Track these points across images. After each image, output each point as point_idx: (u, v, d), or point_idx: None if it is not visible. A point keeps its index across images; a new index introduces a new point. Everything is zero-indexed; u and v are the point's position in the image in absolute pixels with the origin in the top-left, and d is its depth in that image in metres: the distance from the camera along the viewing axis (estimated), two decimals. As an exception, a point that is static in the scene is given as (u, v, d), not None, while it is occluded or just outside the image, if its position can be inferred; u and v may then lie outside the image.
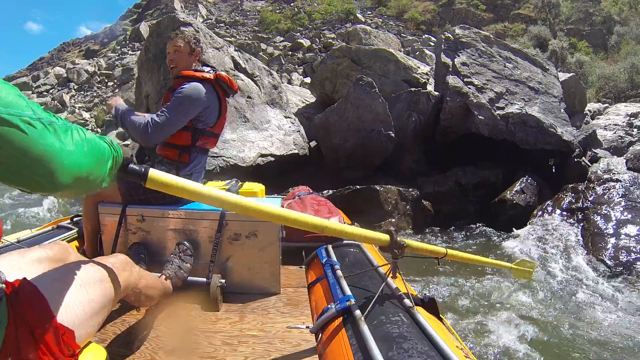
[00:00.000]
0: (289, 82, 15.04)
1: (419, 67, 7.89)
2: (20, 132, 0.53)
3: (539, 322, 2.39)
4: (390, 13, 21.46)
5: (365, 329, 1.05)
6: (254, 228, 1.62)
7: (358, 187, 4.93)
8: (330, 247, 1.86)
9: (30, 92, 22.87)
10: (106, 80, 21.97)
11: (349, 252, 1.83)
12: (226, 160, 5.37)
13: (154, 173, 0.91)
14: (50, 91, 22.53)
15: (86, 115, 18.67)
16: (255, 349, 1.24)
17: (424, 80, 7.51)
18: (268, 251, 1.63)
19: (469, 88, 6.03)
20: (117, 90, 19.89)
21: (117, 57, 23.66)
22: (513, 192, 5.12)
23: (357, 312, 1.15)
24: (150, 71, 6.52)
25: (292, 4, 24.39)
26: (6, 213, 5.58)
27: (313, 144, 6.78)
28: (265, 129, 6.15)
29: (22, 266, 0.90)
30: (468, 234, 4.66)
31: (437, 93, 6.36)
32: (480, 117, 5.77)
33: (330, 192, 5.12)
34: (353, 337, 1.08)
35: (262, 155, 5.73)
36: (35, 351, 0.69)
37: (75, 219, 2.21)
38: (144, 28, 26.11)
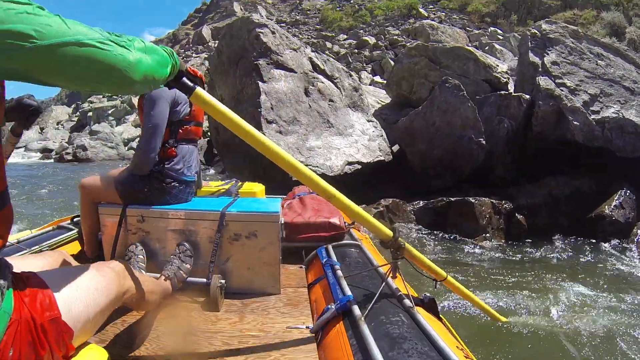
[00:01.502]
0: (359, 81, 15.04)
1: (497, 66, 7.29)
2: (99, 50, 0.70)
3: (540, 322, 2.39)
4: (452, 6, 20.73)
5: (365, 329, 1.05)
6: (254, 228, 1.62)
7: (452, 199, 4.68)
8: (330, 247, 1.86)
9: (101, 96, 24.00)
10: None
11: (349, 252, 1.83)
12: (313, 170, 4.89)
13: (199, 91, 1.10)
14: (120, 95, 23.52)
15: None
16: (255, 349, 1.24)
17: (504, 80, 6.97)
18: (268, 251, 1.63)
19: (562, 90, 5.47)
20: None
21: (181, 60, 24.66)
22: (612, 206, 4.58)
23: (357, 312, 1.15)
24: (224, 74, 6.25)
25: (351, 1, 23.96)
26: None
27: (395, 148, 6.30)
28: (350, 134, 5.76)
29: (25, 268, 0.91)
30: (564, 251, 4.15)
31: (527, 97, 5.77)
32: (575, 122, 5.23)
33: (421, 203, 4.89)
34: (353, 337, 1.08)
35: (349, 163, 5.34)
36: (35, 345, 0.70)
37: (75, 219, 2.21)
38: (206, 31, 26.86)
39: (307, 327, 1.34)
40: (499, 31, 16.69)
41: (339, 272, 1.51)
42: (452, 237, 4.36)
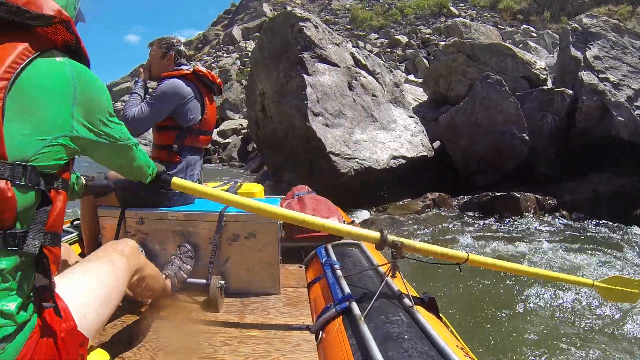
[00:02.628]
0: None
1: (535, 62, 7.17)
2: (133, 151, 1.09)
3: (541, 321, 2.38)
4: (483, 4, 20.40)
5: (365, 328, 1.05)
6: (253, 228, 1.62)
7: (497, 193, 4.64)
8: (329, 246, 1.85)
9: None
10: None
11: (349, 252, 1.83)
12: (360, 163, 4.99)
13: (176, 180, 1.36)
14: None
15: None
16: (255, 349, 1.23)
17: (543, 77, 6.84)
18: (267, 251, 1.63)
19: (605, 85, 5.38)
20: None
21: (212, 60, 24.40)
22: (658, 206, 4.40)
23: (357, 312, 1.15)
24: (266, 69, 6.13)
25: (381, 0, 23.68)
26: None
27: (435, 145, 6.29)
28: (393, 129, 5.74)
29: None
30: (607, 248, 3.97)
31: (570, 92, 5.73)
32: (619, 117, 5.14)
33: (466, 198, 4.88)
34: (353, 336, 1.08)
35: (394, 157, 5.33)
36: (54, 357, 0.71)
37: (75, 222, 2.21)
38: (237, 32, 27.01)
39: (307, 327, 1.34)
40: (532, 28, 16.31)
41: (339, 272, 1.51)
42: (497, 231, 4.33)
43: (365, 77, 6.00)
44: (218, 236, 1.61)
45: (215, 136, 15.17)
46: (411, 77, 13.82)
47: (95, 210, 1.73)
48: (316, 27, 5.86)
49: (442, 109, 7.06)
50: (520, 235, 4.13)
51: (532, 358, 2.03)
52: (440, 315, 1.33)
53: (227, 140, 14.51)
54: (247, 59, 22.49)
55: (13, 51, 0.68)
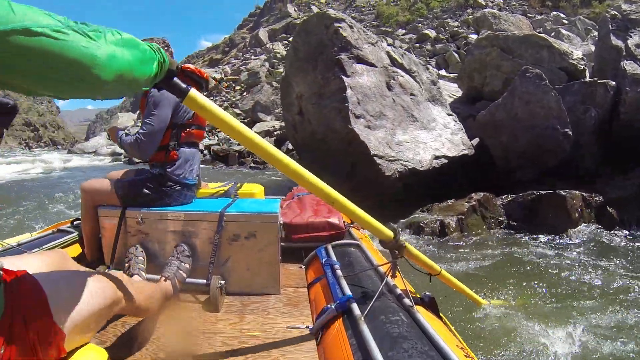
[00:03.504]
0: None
1: (572, 52, 6.92)
2: (53, 40, 0.57)
3: (541, 321, 2.38)
4: None
5: (365, 328, 1.05)
6: (253, 229, 1.62)
7: (542, 192, 4.53)
8: (329, 246, 1.85)
9: None
10: (233, 85, 23.34)
11: (349, 252, 1.83)
12: (404, 164, 4.89)
13: (194, 93, 0.98)
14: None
15: None
16: (255, 349, 1.23)
17: (581, 67, 6.60)
18: (267, 251, 1.63)
19: None
20: (245, 94, 20.86)
21: (241, 63, 24.88)
22: None
23: (357, 312, 1.15)
24: (302, 71, 6.00)
25: None
26: (7, 217, 5.59)
27: (474, 142, 6.18)
28: (433, 128, 5.66)
29: (20, 266, 0.91)
30: None
31: (613, 83, 5.47)
32: None
33: (510, 197, 4.76)
34: (353, 336, 1.08)
35: (437, 157, 5.25)
36: (26, 346, 0.69)
37: (75, 223, 2.21)
38: (263, 33, 27.46)
39: (307, 327, 1.34)
40: (562, 15, 15.85)
41: (339, 272, 1.50)
42: (543, 231, 4.25)
43: (402, 76, 5.92)
44: (218, 236, 1.61)
45: None
46: (442, 72, 13.52)
47: (95, 210, 1.73)
48: (351, 27, 5.79)
49: (477, 104, 6.87)
50: (568, 240, 4.02)
51: (533, 358, 2.02)
52: (441, 315, 1.33)
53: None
54: (275, 61, 22.70)
55: None
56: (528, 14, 17.26)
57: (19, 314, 0.69)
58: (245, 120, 17.74)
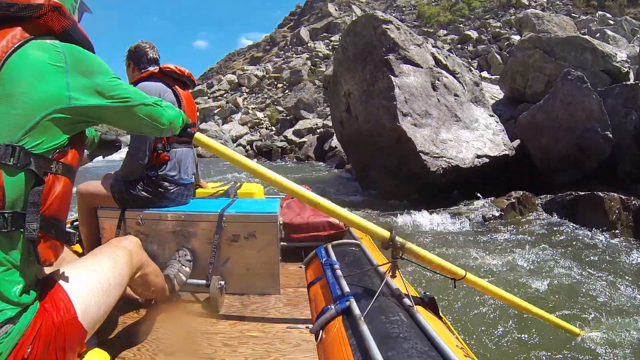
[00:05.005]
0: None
1: (616, 54, 6.86)
2: (157, 108, 1.04)
3: (542, 321, 2.37)
4: None
5: (364, 328, 1.05)
6: (253, 229, 1.62)
7: (580, 193, 4.52)
8: (329, 246, 1.85)
9: (206, 97, 25.75)
10: (275, 83, 23.53)
11: (349, 251, 1.83)
12: (448, 162, 5.19)
13: (199, 135, 1.33)
14: (224, 95, 25.03)
15: (260, 115, 20.14)
16: (255, 349, 1.23)
17: (625, 70, 6.51)
18: (267, 251, 1.62)
19: None
20: (287, 91, 21.08)
21: (282, 61, 25.13)
22: None
23: (357, 312, 1.15)
24: (351, 70, 6.32)
25: None
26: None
27: (515, 143, 6.30)
28: (475, 128, 5.90)
29: None
30: None
31: None
32: None
33: (548, 197, 4.78)
34: (353, 336, 1.08)
35: (478, 156, 5.49)
36: (52, 345, 0.72)
37: (75, 223, 2.21)
38: (304, 32, 27.80)
39: (307, 327, 1.34)
40: (608, 15, 15.50)
41: (339, 272, 1.50)
42: (580, 231, 4.23)
43: (446, 77, 6.15)
44: (218, 236, 1.61)
45: (290, 135, 15.59)
46: (485, 74, 13.37)
47: (94, 212, 1.72)
48: (398, 28, 6.05)
49: (519, 106, 6.87)
50: (604, 241, 3.94)
51: (533, 358, 2.02)
52: (441, 315, 1.33)
53: (303, 139, 14.88)
54: (317, 59, 22.81)
55: (1, 40, 0.70)
56: (572, 14, 16.95)
57: (48, 317, 0.73)
58: (288, 118, 17.99)
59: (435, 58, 6.29)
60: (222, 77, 28.20)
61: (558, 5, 18.85)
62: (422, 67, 5.93)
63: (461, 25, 19.44)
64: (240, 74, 25.82)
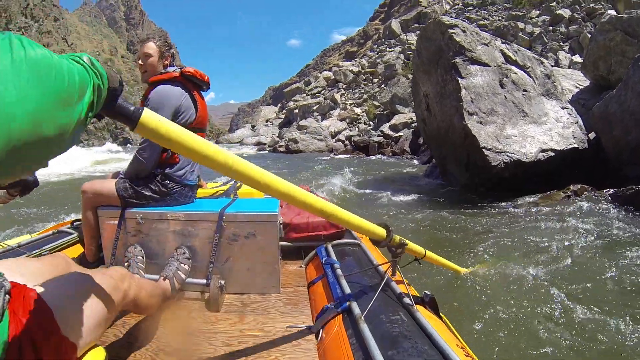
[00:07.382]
0: (557, 63, 13.02)
1: None
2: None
3: (542, 321, 2.37)
4: None
5: (365, 328, 1.05)
6: (253, 228, 1.62)
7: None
8: (329, 245, 1.85)
9: (304, 94, 26.46)
10: (371, 77, 23.81)
11: (349, 251, 1.83)
12: (509, 156, 5.37)
13: (147, 115, 0.69)
14: (322, 92, 25.60)
15: (357, 110, 20.42)
16: (256, 349, 1.23)
17: None
18: (267, 251, 1.62)
19: None
20: (383, 86, 21.18)
21: (377, 56, 25.24)
22: None
23: (357, 311, 1.15)
24: (426, 73, 6.71)
25: None
26: (6, 217, 5.59)
27: (591, 136, 6.07)
28: (544, 122, 5.92)
29: (24, 272, 0.90)
30: None
31: None
32: None
33: (612, 191, 4.69)
34: (353, 336, 1.08)
35: (543, 151, 5.54)
36: None
37: (75, 224, 2.21)
38: (395, 25, 27.95)
39: (307, 327, 1.34)
40: None
41: (339, 271, 1.50)
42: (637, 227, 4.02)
43: (515, 73, 6.24)
44: (218, 236, 1.61)
45: (387, 130, 15.85)
46: (576, 58, 12.52)
47: (95, 211, 1.73)
48: (464, 31, 6.29)
49: (604, 94, 6.42)
50: None
51: (533, 357, 2.02)
52: (441, 314, 1.33)
53: (399, 133, 15.12)
54: (410, 52, 22.65)
55: None
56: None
57: (27, 338, 0.69)
58: (385, 112, 18.05)
59: (504, 54, 6.42)
60: (318, 74, 28.54)
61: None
62: (489, 66, 6.12)
63: (553, 3, 18.34)
64: (336, 71, 26.31)
